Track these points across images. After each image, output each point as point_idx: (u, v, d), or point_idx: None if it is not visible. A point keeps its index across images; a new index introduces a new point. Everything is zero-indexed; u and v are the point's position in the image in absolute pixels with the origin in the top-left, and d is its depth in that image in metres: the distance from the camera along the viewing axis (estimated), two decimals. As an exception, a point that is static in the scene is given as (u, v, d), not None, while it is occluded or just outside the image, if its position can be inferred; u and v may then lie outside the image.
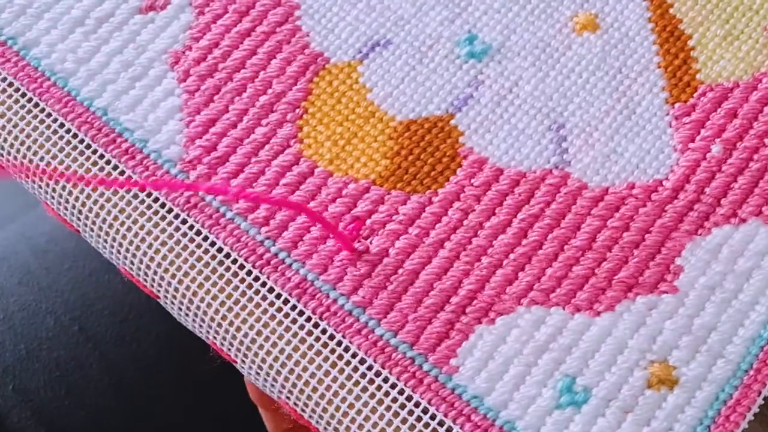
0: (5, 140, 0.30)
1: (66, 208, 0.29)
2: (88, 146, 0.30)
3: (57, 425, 0.37)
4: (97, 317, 0.39)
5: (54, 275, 0.41)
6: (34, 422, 0.37)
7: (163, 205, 0.29)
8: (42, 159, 0.29)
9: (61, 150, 0.30)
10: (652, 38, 0.32)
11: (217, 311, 0.28)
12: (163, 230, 0.28)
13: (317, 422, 0.27)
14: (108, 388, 0.38)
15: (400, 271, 0.28)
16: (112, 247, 0.29)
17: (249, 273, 0.28)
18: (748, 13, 0.32)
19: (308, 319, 0.27)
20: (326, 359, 0.27)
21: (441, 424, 0.26)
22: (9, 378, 0.38)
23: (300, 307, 0.27)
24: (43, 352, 0.38)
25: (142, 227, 0.28)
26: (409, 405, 0.26)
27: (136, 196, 0.29)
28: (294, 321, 0.27)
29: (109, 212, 0.29)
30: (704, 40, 0.32)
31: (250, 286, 0.28)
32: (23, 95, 0.30)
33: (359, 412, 0.26)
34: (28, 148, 0.30)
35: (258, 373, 0.27)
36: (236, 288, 0.28)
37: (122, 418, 0.38)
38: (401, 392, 0.27)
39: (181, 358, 0.38)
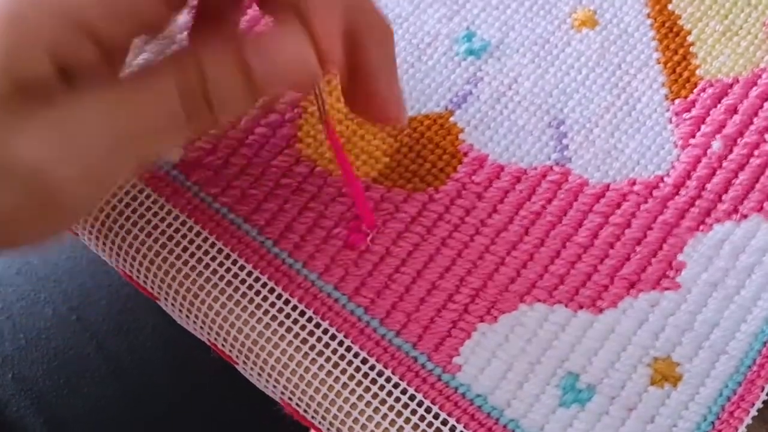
0: None
1: None
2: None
3: (55, 414, 0.37)
4: (95, 307, 0.39)
5: (52, 265, 0.40)
6: (33, 411, 0.37)
7: (161, 207, 0.28)
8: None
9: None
10: (651, 34, 0.32)
11: (218, 313, 0.27)
12: (163, 232, 0.28)
13: (320, 423, 0.27)
14: (106, 377, 0.38)
15: (402, 270, 0.28)
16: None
17: (249, 274, 0.28)
18: (746, 9, 0.32)
19: (310, 320, 0.27)
20: (328, 360, 0.27)
21: (444, 423, 0.26)
22: (8, 367, 0.38)
23: (301, 307, 0.27)
24: (42, 341, 0.38)
25: (142, 229, 0.28)
26: (413, 404, 0.26)
27: (135, 198, 0.29)
28: (295, 321, 0.27)
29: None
30: (703, 36, 0.32)
31: (250, 287, 0.28)
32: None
33: (362, 412, 0.26)
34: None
35: (260, 375, 0.27)
36: (237, 289, 0.27)
37: (120, 406, 0.38)
38: (404, 392, 0.26)
39: (177, 347, 0.38)
